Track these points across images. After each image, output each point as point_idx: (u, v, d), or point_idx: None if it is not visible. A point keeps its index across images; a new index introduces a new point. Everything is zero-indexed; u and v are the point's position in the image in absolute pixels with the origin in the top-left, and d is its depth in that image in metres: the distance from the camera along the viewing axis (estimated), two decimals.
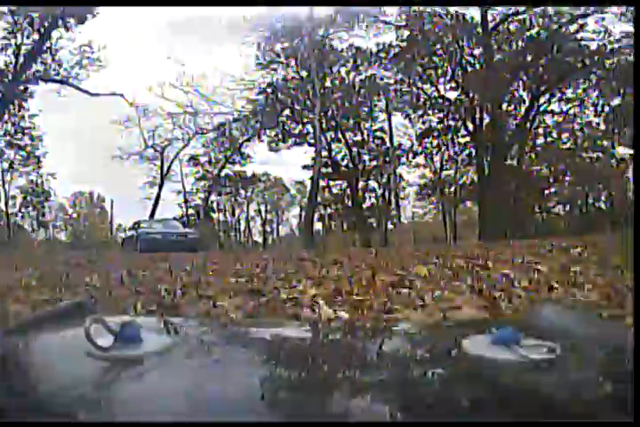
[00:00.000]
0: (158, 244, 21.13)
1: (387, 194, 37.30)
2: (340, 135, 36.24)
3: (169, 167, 40.48)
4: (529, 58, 29.86)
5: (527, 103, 31.85)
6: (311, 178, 32.91)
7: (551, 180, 33.05)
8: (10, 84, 30.28)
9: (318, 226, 53.43)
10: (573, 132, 31.29)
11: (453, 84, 33.22)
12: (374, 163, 36.61)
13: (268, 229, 55.82)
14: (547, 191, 34.06)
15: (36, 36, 30.20)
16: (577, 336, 0.94)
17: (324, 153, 35.85)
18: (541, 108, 32.42)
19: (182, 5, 26.63)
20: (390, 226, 38.25)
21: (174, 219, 30.05)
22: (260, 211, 54.36)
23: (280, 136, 36.16)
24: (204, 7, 28.63)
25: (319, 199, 44.97)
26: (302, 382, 0.79)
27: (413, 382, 0.77)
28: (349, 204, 37.37)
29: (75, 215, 57.10)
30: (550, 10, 28.36)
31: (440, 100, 33.79)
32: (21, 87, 31.37)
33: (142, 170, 39.39)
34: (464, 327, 1.23)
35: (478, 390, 0.73)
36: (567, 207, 37.34)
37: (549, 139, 32.26)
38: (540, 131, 32.82)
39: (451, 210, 38.97)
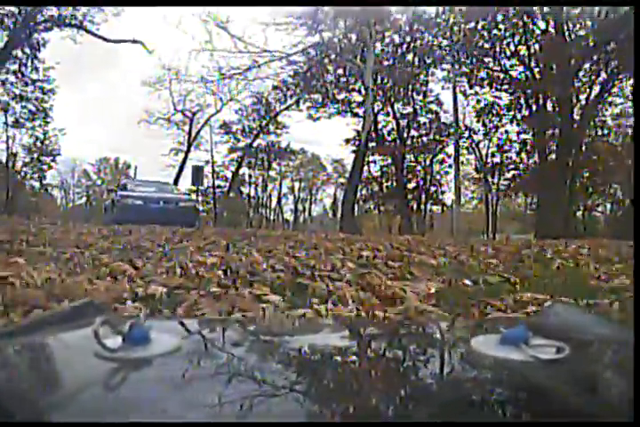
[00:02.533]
0: (139, 212, 16.33)
1: (430, 175, 33.67)
2: (388, 107, 32.46)
3: (197, 133, 37.84)
4: (605, 38, 25.47)
5: (597, 89, 28.02)
6: (357, 148, 29.07)
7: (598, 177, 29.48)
8: (19, 30, 26.69)
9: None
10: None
11: (516, 61, 29.27)
12: (424, 139, 32.75)
13: (300, 207, 53.40)
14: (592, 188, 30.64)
15: None
16: (585, 336, 0.94)
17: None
18: (607, 98, 28.72)
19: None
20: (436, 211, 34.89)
21: (168, 184, 24.37)
22: (293, 188, 52.10)
23: (322, 101, 32.39)
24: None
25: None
26: (306, 379, 0.78)
27: (421, 381, 0.79)
28: (391, 183, 33.65)
29: (99, 182, 54.67)
30: None
31: (502, 75, 29.86)
32: (34, 35, 27.98)
33: (169, 136, 36.70)
34: (473, 327, 1.25)
35: (486, 389, 0.75)
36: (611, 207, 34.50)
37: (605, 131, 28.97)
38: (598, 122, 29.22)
39: (495, 200, 35.07)
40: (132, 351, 0.77)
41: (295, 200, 52.91)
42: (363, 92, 29.73)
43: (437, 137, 32.43)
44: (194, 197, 21.93)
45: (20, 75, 29.28)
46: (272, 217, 50.74)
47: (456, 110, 29.79)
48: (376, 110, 31.28)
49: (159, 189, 19.93)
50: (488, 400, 0.69)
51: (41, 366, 0.84)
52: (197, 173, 25.95)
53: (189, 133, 37.45)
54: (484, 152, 32.46)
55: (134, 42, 29.83)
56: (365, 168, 32.75)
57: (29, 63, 29.02)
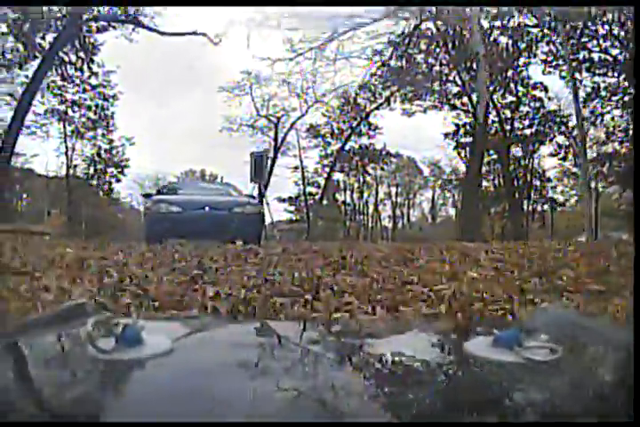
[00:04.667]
0: (175, 223, 11.24)
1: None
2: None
3: (283, 139, 36.04)
4: None
5: None
6: (472, 142, 25.79)
7: None
8: (66, 31, 24.02)
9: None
10: None
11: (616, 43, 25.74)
12: (529, 131, 29.66)
13: (398, 213, 50.91)
14: None
15: None
16: (579, 338, 0.96)
17: (466, 119, 29.70)
18: None
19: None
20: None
21: (230, 185, 15.72)
22: (389, 193, 49.70)
23: (417, 93, 29.82)
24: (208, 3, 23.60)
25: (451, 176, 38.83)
26: (302, 381, 0.79)
27: (416, 383, 0.79)
28: (497, 181, 30.67)
29: None
30: None
31: (603, 57, 26.44)
32: (86, 37, 26.08)
33: (253, 143, 35.11)
34: (466, 329, 1.27)
35: (480, 391, 0.75)
36: None
37: None
38: None
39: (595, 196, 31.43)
40: (126, 352, 0.78)
41: (393, 206, 50.43)
42: (459, 82, 27.17)
43: (544, 127, 29.21)
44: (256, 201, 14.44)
45: (77, 80, 27.79)
46: (370, 224, 48.30)
47: (576, 94, 25.38)
48: (474, 102, 28.55)
49: (211, 192, 14.33)
50: (482, 402, 0.69)
51: (34, 367, 0.84)
52: (258, 162, 16.64)
53: (275, 139, 35.71)
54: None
55: (196, 34, 27.05)
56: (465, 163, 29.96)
57: (85, 67, 27.36)
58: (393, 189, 49.71)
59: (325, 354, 0.96)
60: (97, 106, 29.04)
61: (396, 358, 0.89)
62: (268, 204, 13.99)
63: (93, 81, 28.46)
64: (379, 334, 1.22)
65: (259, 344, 1.04)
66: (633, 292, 2.84)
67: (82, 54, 26.97)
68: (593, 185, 30.23)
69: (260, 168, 17.11)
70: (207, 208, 12.20)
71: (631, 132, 24.82)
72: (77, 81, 27.98)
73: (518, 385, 0.76)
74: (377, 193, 47.96)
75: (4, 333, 1.02)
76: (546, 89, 29.46)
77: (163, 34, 26.54)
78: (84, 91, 28.36)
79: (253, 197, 14.31)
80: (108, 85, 28.94)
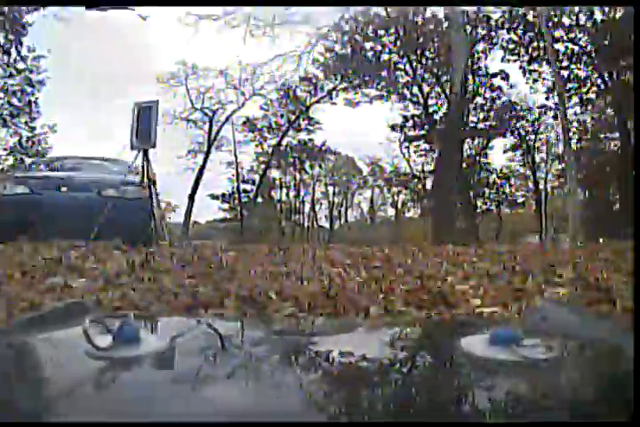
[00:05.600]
0: (22, 209, 7.58)
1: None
2: (437, 87, 27.66)
3: (217, 132, 33.78)
4: None
5: None
6: (444, 130, 22.65)
7: None
8: None
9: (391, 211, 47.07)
10: None
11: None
12: (484, 124, 27.82)
13: (336, 213, 49.01)
14: None
15: None
16: (576, 335, 0.95)
17: (415, 111, 27.73)
18: None
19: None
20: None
21: (115, 160, 10.96)
22: (327, 193, 47.90)
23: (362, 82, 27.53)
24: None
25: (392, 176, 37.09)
26: (300, 378, 0.79)
27: (412, 382, 0.81)
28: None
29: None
30: None
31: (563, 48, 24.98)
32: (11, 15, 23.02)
33: (187, 137, 33.28)
34: (462, 327, 1.26)
35: (476, 389, 0.75)
36: None
37: None
38: None
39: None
40: (123, 350, 0.78)
41: (330, 206, 48.41)
42: (409, 71, 25.17)
43: (503, 118, 27.41)
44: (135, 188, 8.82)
45: (3, 64, 24.52)
46: (306, 224, 46.43)
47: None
48: (425, 93, 26.63)
49: (81, 168, 9.58)
50: (479, 401, 0.68)
51: (31, 364, 0.85)
52: (144, 117, 8.48)
53: (209, 133, 33.59)
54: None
55: (124, 8, 24.46)
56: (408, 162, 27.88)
57: (14, 50, 24.22)
58: (330, 189, 47.97)
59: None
60: (22, 92, 25.56)
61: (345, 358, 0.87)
62: (151, 186, 8.37)
63: (20, 65, 25.14)
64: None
65: (253, 342, 1.02)
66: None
67: (11, 36, 23.76)
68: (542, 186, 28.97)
69: (148, 126, 8.71)
70: (64, 189, 7.95)
71: (617, 132, 23.42)
72: (3, 65, 24.60)
73: (515, 383, 0.74)
74: (314, 192, 46.27)
75: (1, 330, 1.00)
76: (507, 77, 27.71)
77: (90, 7, 23.48)
78: (10, 75, 24.92)
79: (133, 183, 8.77)
80: (37, 70, 25.50)
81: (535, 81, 26.22)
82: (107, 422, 0.59)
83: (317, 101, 33.04)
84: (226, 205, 38.79)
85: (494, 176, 29.59)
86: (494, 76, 27.72)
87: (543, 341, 0.80)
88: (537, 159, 30.40)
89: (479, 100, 28.17)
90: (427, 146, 29.06)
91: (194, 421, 0.59)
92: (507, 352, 0.77)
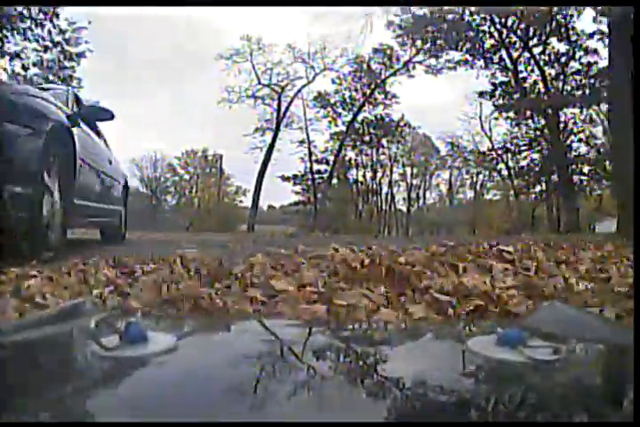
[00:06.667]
0: None
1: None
2: (526, 52, 24.82)
3: (287, 109, 32.13)
4: None
5: None
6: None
7: None
8: None
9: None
10: None
11: None
12: (580, 92, 24.79)
13: (414, 195, 47.76)
14: None
15: None
16: (581, 336, 0.95)
17: (502, 78, 25.03)
18: None
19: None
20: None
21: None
22: (404, 174, 46.42)
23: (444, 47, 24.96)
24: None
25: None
26: (305, 378, 0.78)
27: (417, 382, 0.78)
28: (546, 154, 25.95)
29: (187, 177, 49.93)
30: None
31: None
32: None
33: (255, 115, 31.45)
34: (469, 327, 1.26)
35: (482, 390, 0.75)
36: None
37: None
38: None
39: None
40: (130, 350, 0.78)
41: (408, 188, 47.11)
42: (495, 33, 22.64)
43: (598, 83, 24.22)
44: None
45: (38, 37, 21.98)
46: (384, 207, 44.78)
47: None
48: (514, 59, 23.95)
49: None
50: (485, 401, 0.69)
51: (38, 364, 0.84)
52: None
53: (278, 110, 31.88)
54: None
55: None
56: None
57: (48, 23, 21.66)
58: (408, 170, 46.59)
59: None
60: (60, 67, 23.33)
61: None
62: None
63: (56, 38, 23.21)
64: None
65: (259, 342, 0.99)
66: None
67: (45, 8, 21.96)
68: None
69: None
70: None
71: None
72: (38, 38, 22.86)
73: (520, 384, 0.73)
74: (391, 173, 44.79)
75: (6, 329, 0.96)
76: (602, 37, 23.73)
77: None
78: (46, 50, 22.47)
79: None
80: (74, 43, 23.61)
81: None
82: (112, 422, 0.59)
83: (394, 74, 31.05)
84: (298, 188, 37.28)
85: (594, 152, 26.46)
86: (592, 36, 24.36)
87: (550, 342, 0.79)
88: None
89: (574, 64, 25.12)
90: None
91: (197, 421, 0.59)
92: (513, 353, 0.77)
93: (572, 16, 24.05)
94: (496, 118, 28.87)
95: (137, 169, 46.25)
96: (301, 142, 33.91)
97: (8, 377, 0.76)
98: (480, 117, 34.62)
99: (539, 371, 0.75)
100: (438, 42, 24.03)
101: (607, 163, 22.46)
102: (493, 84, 25.45)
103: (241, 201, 47.30)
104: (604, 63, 24.41)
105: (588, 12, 22.61)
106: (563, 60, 24.77)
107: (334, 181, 36.42)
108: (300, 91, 32.23)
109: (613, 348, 0.93)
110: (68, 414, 0.61)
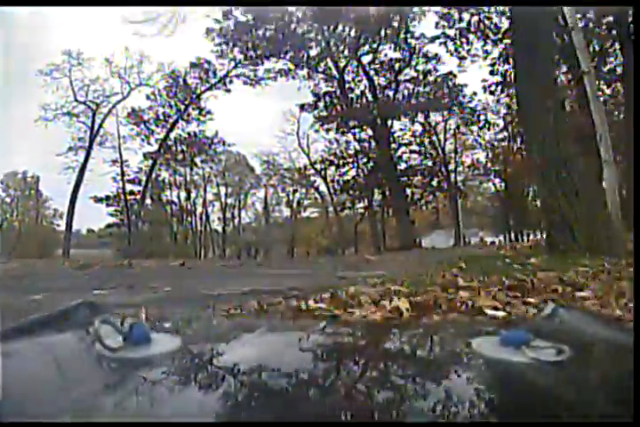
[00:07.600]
0: None
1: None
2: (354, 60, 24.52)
3: (100, 126, 30.59)
4: None
5: None
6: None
7: None
8: None
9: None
10: None
11: None
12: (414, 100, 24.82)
13: (229, 215, 46.88)
14: None
15: None
16: (584, 338, 0.96)
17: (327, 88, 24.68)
18: None
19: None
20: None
21: None
22: (219, 194, 45.46)
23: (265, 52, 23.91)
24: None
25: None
26: (309, 377, 0.81)
27: (422, 381, 0.81)
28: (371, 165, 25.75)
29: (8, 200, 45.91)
30: None
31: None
32: None
33: (68, 133, 30.13)
34: (473, 328, 1.28)
35: (486, 390, 0.77)
36: None
37: None
38: None
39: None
40: (133, 351, 0.80)
41: (222, 207, 45.87)
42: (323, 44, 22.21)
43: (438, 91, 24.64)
44: None
45: None
46: (199, 227, 43.79)
47: None
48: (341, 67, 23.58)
49: None
50: (488, 401, 0.71)
51: (42, 365, 0.83)
52: None
53: (92, 127, 29.97)
54: None
55: None
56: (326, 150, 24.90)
57: None
58: (222, 189, 45.58)
59: None
60: None
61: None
62: None
63: None
64: None
65: (262, 342, 1.03)
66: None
67: None
68: None
69: None
70: None
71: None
72: None
73: (523, 385, 0.75)
74: (205, 192, 43.72)
75: (10, 331, 0.96)
76: (445, 42, 23.84)
77: None
78: None
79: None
80: None
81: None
82: (114, 422, 0.59)
83: (210, 88, 29.90)
84: (112, 209, 34.76)
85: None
86: (432, 41, 24.54)
87: (553, 343, 0.80)
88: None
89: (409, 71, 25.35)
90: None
91: (200, 421, 0.60)
92: (516, 354, 0.79)
93: (413, 19, 24.15)
94: (317, 131, 28.35)
95: None
96: (114, 162, 31.70)
97: (14, 377, 0.71)
98: (297, 133, 34.17)
99: (540, 372, 0.75)
100: (259, 51, 23.14)
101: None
102: (316, 94, 24.99)
103: (58, 225, 44.02)
104: (444, 68, 24.89)
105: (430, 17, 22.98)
106: (396, 67, 24.73)
107: (148, 201, 34.36)
108: (114, 107, 30.70)
109: (615, 349, 0.91)
110: (71, 414, 0.60)
